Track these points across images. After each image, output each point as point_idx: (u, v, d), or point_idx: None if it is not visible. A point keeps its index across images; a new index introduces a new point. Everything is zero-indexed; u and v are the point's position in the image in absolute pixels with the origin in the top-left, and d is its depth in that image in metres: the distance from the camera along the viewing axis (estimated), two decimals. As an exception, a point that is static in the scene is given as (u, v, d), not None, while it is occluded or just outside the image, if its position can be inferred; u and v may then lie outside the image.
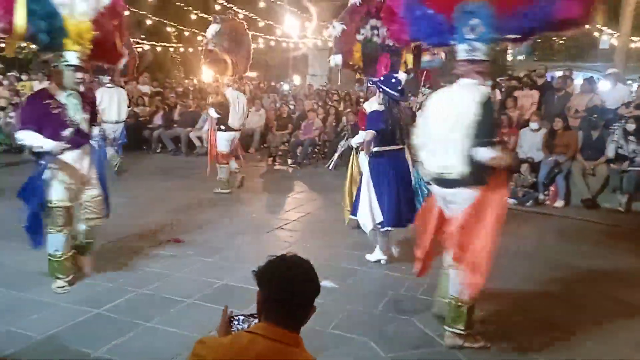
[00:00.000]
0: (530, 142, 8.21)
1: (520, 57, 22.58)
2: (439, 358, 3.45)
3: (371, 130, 4.78)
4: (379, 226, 4.95)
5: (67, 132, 4.09)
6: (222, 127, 7.73)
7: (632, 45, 14.56)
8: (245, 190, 8.36)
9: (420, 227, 3.77)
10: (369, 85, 5.17)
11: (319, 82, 20.55)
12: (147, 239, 5.63)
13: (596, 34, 15.35)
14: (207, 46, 7.72)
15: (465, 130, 3.21)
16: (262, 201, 7.92)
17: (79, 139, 4.22)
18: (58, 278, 4.27)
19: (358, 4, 5.03)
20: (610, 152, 7.64)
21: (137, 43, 15.55)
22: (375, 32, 4.99)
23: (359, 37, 5.01)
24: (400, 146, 4.97)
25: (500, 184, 3.35)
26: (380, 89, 4.84)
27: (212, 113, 7.75)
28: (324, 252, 5.38)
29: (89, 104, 4.37)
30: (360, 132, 5.34)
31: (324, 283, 4.28)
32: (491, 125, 3.27)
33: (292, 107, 12.71)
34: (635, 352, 3.62)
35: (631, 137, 7.53)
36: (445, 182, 3.39)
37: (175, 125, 12.13)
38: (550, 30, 3.48)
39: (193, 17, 17.61)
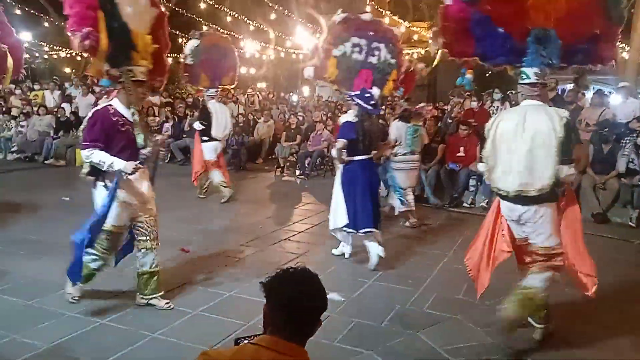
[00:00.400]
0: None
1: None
2: (445, 374, 3.41)
3: (342, 140, 5.14)
4: (345, 228, 5.31)
5: (145, 151, 3.91)
6: (205, 138, 8.07)
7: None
8: (252, 201, 8.36)
9: (477, 247, 3.89)
10: (346, 98, 5.52)
11: (328, 93, 20.60)
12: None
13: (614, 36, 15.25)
14: (185, 61, 8.04)
15: (549, 150, 3.38)
16: (270, 212, 7.91)
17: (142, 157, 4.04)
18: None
19: (338, 22, 5.34)
20: (621, 166, 7.57)
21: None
22: (357, 49, 5.32)
23: (337, 52, 5.29)
24: (371, 156, 5.32)
25: (573, 198, 3.68)
26: (355, 102, 5.19)
27: (197, 126, 8.15)
28: (331, 264, 5.36)
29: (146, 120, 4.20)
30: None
31: (330, 296, 4.25)
32: (571, 145, 3.44)
33: (300, 118, 12.74)
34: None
35: (642, 151, 7.46)
36: (524, 200, 3.49)
37: (184, 136, 12.21)
38: (587, 63, 3.70)
39: (204, 28, 17.78)
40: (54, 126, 12.41)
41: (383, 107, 7.74)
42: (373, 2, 19.58)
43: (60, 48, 19.83)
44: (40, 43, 19.72)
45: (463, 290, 4.71)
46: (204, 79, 8.08)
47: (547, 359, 3.62)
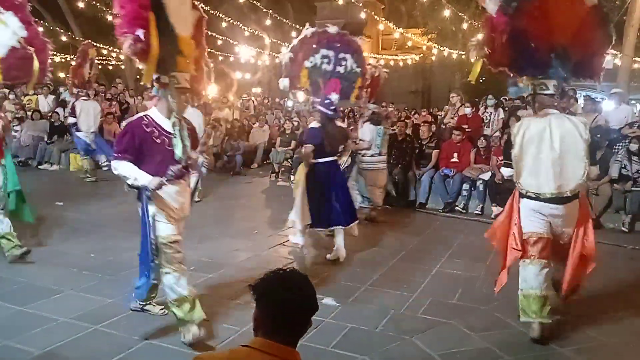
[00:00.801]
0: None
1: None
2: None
3: (310, 145, 5.47)
4: (308, 227, 5.52)
5: (175, 168, 3.57)
6: None
7: (636, 65, 14.61)
8: (247, 206, 8.36)
9: (501, 246, 4.13)
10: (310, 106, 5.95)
11: (347, 103, 20.61)
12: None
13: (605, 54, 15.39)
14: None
15: (578, 153, 3.81)
16: (265, 217, 7.91)
17: (182, 171, 3.69)
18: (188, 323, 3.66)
19: (309, 36, 5.77)
20: (613, 172, 7.62)
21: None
22: (326, 60, 5.75)
23: (308, 64, 5.70)
24: (335, 158, 5.74)
25: (584, 198, 4.20)
26: (317, 109, 5.59)
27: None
28: (325, 269, 5.36)
29: (191, 129, 3.83)
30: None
31: (325, 301, 4.30)
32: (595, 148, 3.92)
33: (295, 123, 12.76)
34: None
35: (635, 158, 7.52)
36: (560, 200, 3.86)
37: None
38: (585, 77, 4.24)
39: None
40: (48, 131, 12.38)
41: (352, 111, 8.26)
42: (368, 9, 19.68)
43: (55, 53, 19.78)
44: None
45: (457, 295, 4.73)
46: None
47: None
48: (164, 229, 3.64)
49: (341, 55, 5.79)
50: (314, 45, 5.73)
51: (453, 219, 8.00)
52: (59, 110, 12.93)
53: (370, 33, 32.58)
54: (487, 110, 10.13)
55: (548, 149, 3.82)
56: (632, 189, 7.38)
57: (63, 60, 20.60)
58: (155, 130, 3.62)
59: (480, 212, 8.15)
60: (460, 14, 16.96)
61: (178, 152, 3.61)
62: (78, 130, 10.02)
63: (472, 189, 8.35)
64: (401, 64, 21.95)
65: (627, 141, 7.77)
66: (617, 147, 7.82)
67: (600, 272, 5.52)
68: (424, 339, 3.86)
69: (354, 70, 5.86)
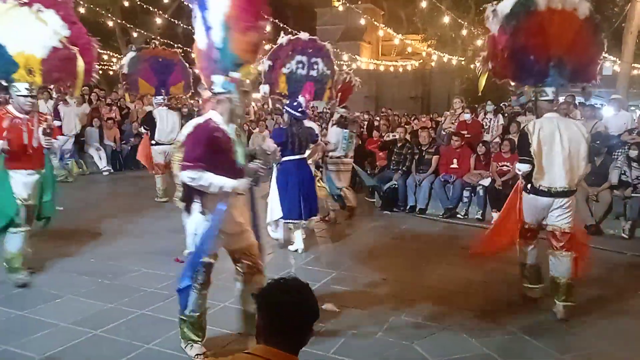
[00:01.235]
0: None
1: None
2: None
3: (274, 144, 5.75)
4: (280, 220, 6.01)
5: (255, 171, 3.39)
6: (153, 142, 8.73)
7: (635, 72, 14.67)
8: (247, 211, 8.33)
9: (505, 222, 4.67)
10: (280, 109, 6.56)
11: (322, 104, 20.68)
12: (146, 259, 5.62)
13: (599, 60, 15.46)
14: (122, 70, 8.99)
15: (581, 152, 4.35)
16: (264, 222, 7.89)
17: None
18: (193, 341, 3.55)
19: (284, 44, 6.24)
20: (613, 178, 7.62)
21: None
22: (301, 65, 6.23)
23: (285, 70, 6.18)
24: (303, 156, 6.02)
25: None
26: (286, 110, 5.97)
27: (142, 129, 9.37)
28: (325, 275, 5.36)
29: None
30: None
31: (325, 306, 4.30)
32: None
33: (295, 129, 12.78)
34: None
35: (634, 164, 7.53)
36: (562, 194, 4.36)
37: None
38: (580, 82, 4.78)
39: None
40: (48, 136, 12.41)
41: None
42: (367, 16, 19.76)
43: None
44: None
45: (458, 300, 4.73)
46: (145, 87, 8.92)
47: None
48: (213, 246, 3.43)
49: (313, 59, 6.33)
50: (290, 52, 6.24)
51: (453, 225, 8.01)
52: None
53: (370, 39, 32.73)
54: (486, 117, 10.16)
55: (559, 149, 4.29)
56: (632, 195, 7.38)
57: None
58: (222, 135, 3.37)
59: (480, 218, 8.15)
60: (459, 20, 17.04)
61: (240, 158, 3.45)
62: (61, 133, 10.44)
63: (473, 194, 8.36)
64: (401, 69, 22.03)
65: (626, 147, 7.78)
66: (616, 154, 7.83)
67: (601, 278, 5.54)
68: (424, 344, 3.86)
69: (325, 72, 6.47)
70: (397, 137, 9.12)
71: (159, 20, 18.09)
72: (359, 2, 24.67)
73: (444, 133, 9.98)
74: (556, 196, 4.36)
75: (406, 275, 5.45)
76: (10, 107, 4.78)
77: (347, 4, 17.72)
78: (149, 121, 8.83)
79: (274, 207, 6.06)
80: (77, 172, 10.96)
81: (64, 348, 3.61)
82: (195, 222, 3.42)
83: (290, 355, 1.74)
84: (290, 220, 6.06)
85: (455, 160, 8.66)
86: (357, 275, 5.36)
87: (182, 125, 9.62)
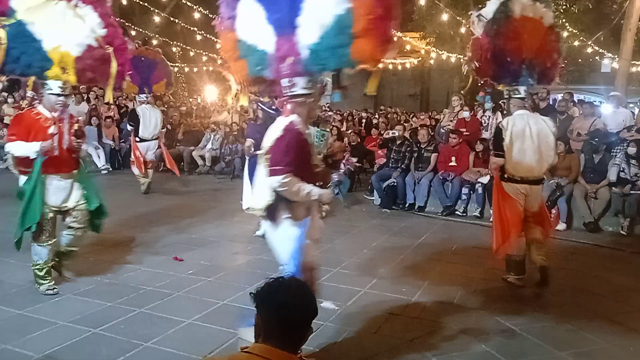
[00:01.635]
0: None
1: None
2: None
3: (250, 139, 6.41)
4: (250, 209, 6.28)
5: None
6: (137, 139, 9.07)
7: (633, 69, 14.67)
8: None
9: (500, 219, 4.92)
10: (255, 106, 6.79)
11: (322, 102, 20.66)
12: (145, 257, 5.62)
13: (597, 57, 15.48)
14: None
15: (549, 145, 4.86)
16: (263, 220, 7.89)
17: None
18: None
19: None
20: (612, 175, 7.62)
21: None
22: None
23: None
24: None
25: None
26: (261, 108, 6.35)
27: (127, 126, 9.63)
28: (325, 273, 5.35)
29: None
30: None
31: (324, 304, 4.30)
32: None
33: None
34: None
35: (633, 161, 7.53)
36: (535, 182, 4.94)
37: (177, 144, 12.19)
38: (545, 83, 5.30)
39: (198, 37, 17.82)
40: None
41: None
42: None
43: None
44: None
45: (457, 298, 4.74)
46: (129, 85, 8.78)
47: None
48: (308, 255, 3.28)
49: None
50: None
51: (452, 222, 8.01)
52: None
53: (368, 37, 32.59)
54: (485, 114, 10.14)
55: (530, 142, 4.78)
56: (631, 192, 7.38)
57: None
58: (306, 139, 3.27)
59: (479, 215, 8.16)
60: (458, 17, 17.01)
61: (318, 164, 3.37)
62: None
63: (471, 192, 8.36)
64: (400, 67, 21.96)
65: (625, 144, 7.78)
66: (615, 151, 7.83)
67: (599, 275, 5.56)
68: (423, 342, 3.86)
69: None
70: (396, 134, 9.13)
71: (157, 19, 18.03)
72: (358, 0, 24.51)
73: (442, 131, 9.98)
74: (529, 184, 4.88)
75: (404, 273, 5.45)
76: (40, 108, 4.51)
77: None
78: (133, 118, 9.14)
79: (245, 197, 6.45)
80: None
81: (63, 347, 3.61)
82: (288, 235, 3.25)
83: (289, 354, 1.74)
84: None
85: (454, 158, 8.66)
86: (355, 273, 5.36)
87: (163, 122, 9.93)
